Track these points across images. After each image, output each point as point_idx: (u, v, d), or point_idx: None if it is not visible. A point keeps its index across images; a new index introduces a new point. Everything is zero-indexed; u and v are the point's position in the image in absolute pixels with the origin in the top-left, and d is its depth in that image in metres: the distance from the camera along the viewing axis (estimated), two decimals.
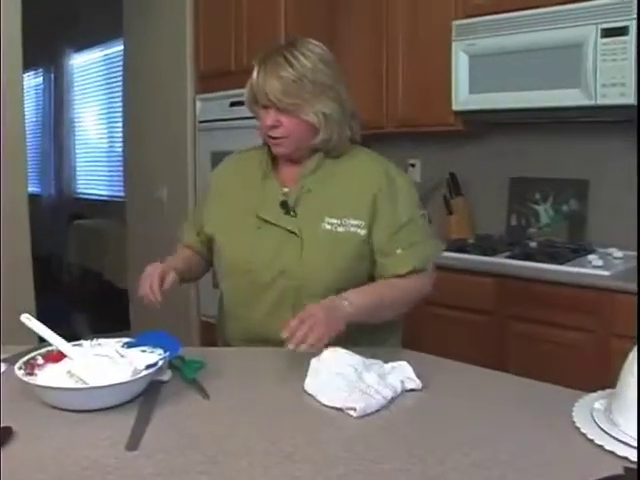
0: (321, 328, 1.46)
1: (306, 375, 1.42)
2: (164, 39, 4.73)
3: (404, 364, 1.46)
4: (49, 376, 1.39)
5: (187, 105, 4.51)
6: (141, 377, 1.34)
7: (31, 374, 1.39)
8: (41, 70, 8.06)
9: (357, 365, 1.42)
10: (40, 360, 1.45)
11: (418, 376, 1.43)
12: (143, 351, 1.46)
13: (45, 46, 7.14)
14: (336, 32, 3.96)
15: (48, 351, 1.48)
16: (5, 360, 1.59)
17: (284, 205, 1.75)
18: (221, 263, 1.85)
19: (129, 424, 1.22)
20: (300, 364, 1.46)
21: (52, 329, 1.52)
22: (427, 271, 1.79)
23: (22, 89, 4.00)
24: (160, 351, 1.45)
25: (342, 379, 1.36)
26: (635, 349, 1.19)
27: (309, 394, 1.37)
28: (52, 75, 7.97)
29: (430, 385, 1.43)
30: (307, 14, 3.93)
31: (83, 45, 7.26)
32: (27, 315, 1.51)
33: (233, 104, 4.17)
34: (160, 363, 1.39)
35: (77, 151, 7.70)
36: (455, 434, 1.22)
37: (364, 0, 3.80)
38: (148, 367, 1.37)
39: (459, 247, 3.25)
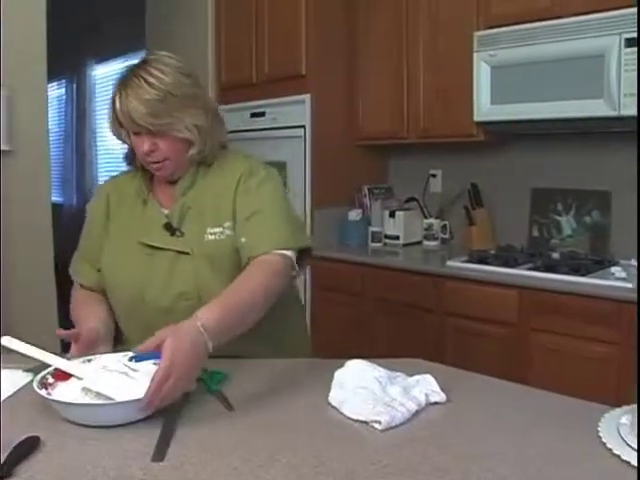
0: (178, 377, 1.29)
1: (330, 387, 1.42)
2: (186, 50, 4.76)
3: (428, 377, 1.46)
4: (63, 395, 1.37)
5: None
6: None
7: (48, 394, 1.37)
8: (64, 81, 8.13)
9: (381, 378, 1.42)
10: (51, 379, 1.43)
11: (442, 389, 1.43)
12: (155, 363, 1.38)
13: (68, 57, 7.20)
14: (357, 44, 3.99)
15: (55, 369, 1.45)
16: (29, 370, 1.60)
17: (168, 227, 1.72)
18: (114, 297, 1.78)
19: (154, 435, 1.22)
20: (324, 376, 1.47)
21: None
22: (275, 263, 1.62)
23: (46, 100, 4.04)
24: None
25: (367, 392, 1.36)
26: None
27: (333, 406, 1.37)
28: (74, 86, 8.03)
29: (454, 398, 1.43)
30: (327, 26, 3.96)
31: (105, 56, 7.31)
32: (8, 338, 1.48)
33: (254, 115, 4.20)
34: None
35: (98, 161, 7.76)
36: (480, 448, 1.21)
37: (385, 12, 3.82)
38: None
39: (480, 258, 3.23)
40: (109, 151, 7.61)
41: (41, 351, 1.48)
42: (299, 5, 3.91)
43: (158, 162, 1.69)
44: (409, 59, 3.69)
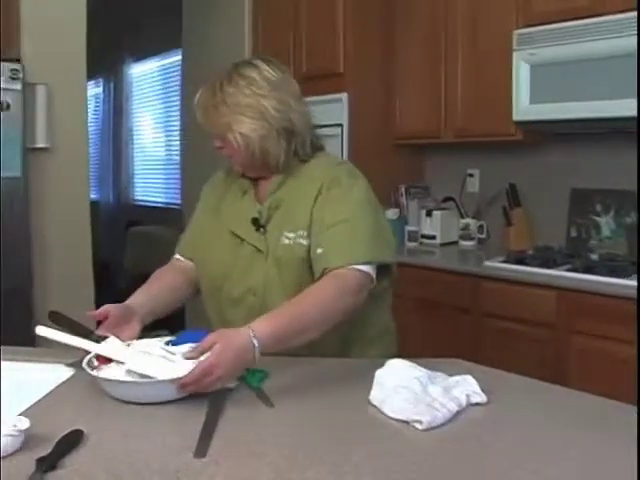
0: (218, 378, 1.37)
1: (370, 386, 1.41)
2: (223, 48, 4.79)
3: (469, 377, 1.45)
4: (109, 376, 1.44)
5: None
6: None
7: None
8: (101, 79, 8.22)
9: (422, 378, 1.41)
10: (95, 362, 1.50)
11: (482, 390, 1.41)
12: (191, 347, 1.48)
13: (105, 56, 7.27)
14: (394, 42, 3.98)
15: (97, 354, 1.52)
16: (71, 364, 1.61)
17: (255, 222, 1.78)
18: (201, 275, 1.89)
19: (196, 431, 1.23)
20: (364, 375, 1.46)
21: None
22: (351, 279, 1.61)
23: (86, 98, 4.10)
24: None
25: (407, 392, 1.35)
26: None
27: (374, 405, 1.36)
28: (111, 84, 8.12)
29: (494, 399, 1.41)
30: (365, 24, 3.95)
31: (142, 55, 7.38)
32: (42, 327, 1.55)
33: None
34: None
35: (135, 159, 7.83)
36: (521, 450, 1.20)
37: (422, 10, 3.80)
38: None
39: (518, 259, 3.20)
40: (145, 149, 7.68)
41: (76, 338, 1.54)
42: (337, 3, 3.90)
43: (228, 157, 1.81)
44: (447, 57, 3.67)
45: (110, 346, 1.54)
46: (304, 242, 1.71)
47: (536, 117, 3.20)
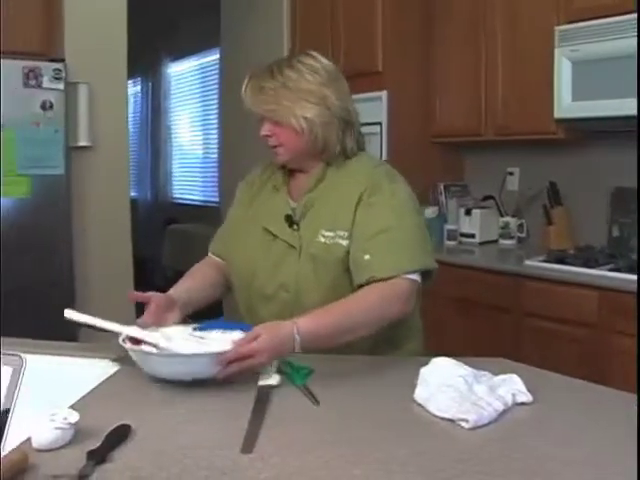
0: (260, 362, 1.44)
1: (414, 384, 1.41)
2: (261, 48, 4.81)
3: (514, 377, 1.43)
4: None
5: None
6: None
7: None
8: (139, 79, 8.30)
9: (467, 376, 1.40)
10: (127, 344, 1.53)
11: (527, 389, 1.40)
12: (223, 332, 1.58)
13: (144, 55, 7.34)
14: (433, 39, 3.96)
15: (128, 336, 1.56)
16: (116, 360, 1.64)
17: (288, 219, 1.78)
18: (233, 271, 1.89)
19: (242, 427, 1.24)
20: (407, 373, 1.46)
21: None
22: (397, 285, 1.63)
23: (126, 97, 4.15)
24: (239, 331, 1.55)
25: (453, 390, 1.35)
26: None
27: (419, 404, 1.36)
28: (150, 83, 8.20)
29: (540, 399, 1.40)
30: (404, 22, 3.94)
31: (180, 54, 7.44)
32: (70, 310, 1.62)
33: None
34: None
35: (173, 157, 7.90)
36: (568, 451, 1.18)
37: (462, 7, 3.78)
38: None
39: (559, 258, 3.17)
40: (183, 147, 7.74)
41: (106, 321, 1.58)
42: (375, 1, 3.89)
43: (274, 147, 1.79)
44: (487, 54, 3.63)
45: (139, 329, 1.59)
46: (343, 243, 1.71)
47: (578, 115, 3.16)
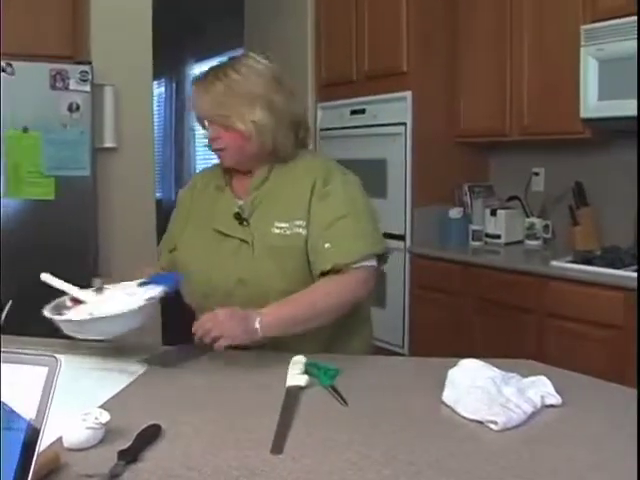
0: (221, 328, 1.54)
1: (442, 385, 1.41)
2: (285, 48, 4.81)
3: (543, 379, 1.43)
4: (73, 315, 1.66)
5: (308, 113, 4.57)
6: (136, 308, 1.61)
7: (59, 314, 1.65)
8: (163, 80, 8.34)
9: (495, 378, 1.39)
10: (68, 303, 1.71)
11: (557, 391, 1.39)
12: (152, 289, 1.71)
13: (168, 57, 7.37)
14: (458, 39, 3.95)
15: (72, 298, 1.74)
16: (145, 360, 1.65)
17: (237, 216, 1.81)
18: (187, 277, 1.86)
19: (271, 427, 1.24)
20: (435, 374, 1.46)
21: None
22: (358, 271, 1.72)
23: (151, 99, 4.18)
24: (161, 288, 1.70)
25: (481, 392, 1.34)
26: None
27: (447, 405, 1.36)
28: (174, 84, 8.23)
29: (569, 401, 1.39)
30: (429, 21, 3.94)
31: (204, 55, 7.46)
32: (47, 275, 1.74)
33: (354, 112, 4.21)
34: (157, 296, 1.67)
35: (197, 158, 7.93)
36: (597, 454, 1.17)
37: (487, 6, 3.76)
38: (149, 299, 1.65)
39: (585, 259, 3.14)
40: (206, 148, 7.77)
41: (70, 285, 1.75)
42: (400, 1, 3.89)
43: (219, 150, 1.81)
44: (513, 54, 3.61)
45: (82, 291, 1.76)
46: (302, 232, 1.75)
47: (605, 114, 3.13)
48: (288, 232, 1.75)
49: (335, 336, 1.80)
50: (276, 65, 1.84)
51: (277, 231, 1.75)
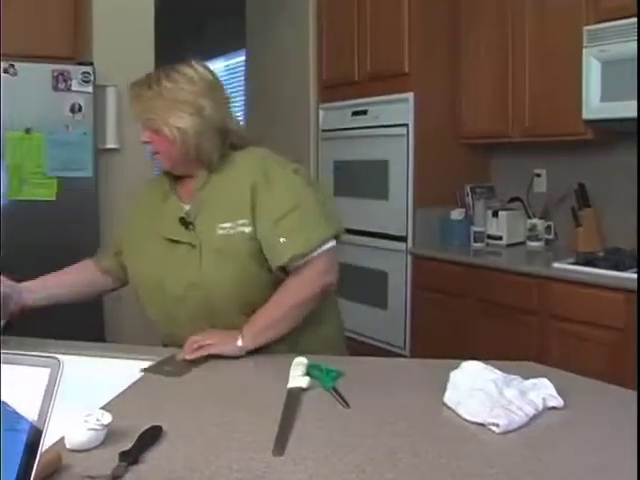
0: (202, 341, 1.67)
1: (443, 387, 1.41)
2: (287, 49, 4.82)
3: (545, 381, 1.42)
4: None
5: (310, 114, 4.57)
6: None
7: None
8: None
9: (497, 380, 1.39)
10: None
11: (558, 393, 1.39)
12: None
13: (170, 57, 7.37)
14: (460, 40, 3.95)
15: None
16: (146, 370, 1.65)
17: (182, 221, 1.81)
18: (137, 285, 1.91)
19: (272, 429, 1.24)
20: (436, 376, 1.46)
21: None
22: (319, 259, 1.76)
23: None
24: None
25: (483, 394, 1.34)
26: None
27: (449, 407, 1.36)
28: None
29: (571, 404, 1.39)
30: (431, 23, 3.94)
31: (206, 56, 7.47)
32: None
33: (355, 113, 4.21)
34: None
35: None
36: (598, 457, 1.17)
37: (489, 8, 3.76)
38: None
39: (587, 261, 3.14)
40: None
41: None
42: (402, 3, 3.89)
43: (154, 154, 1.83)
44: (514, 55, 3.62)
45: None
46: (246, 230, 1.76)
47: (607, 115, 3.13)
48: (232, 232, 1.76)
49: (303, 326, 1.81)
50: (213, 75, 1.87)
51: (221, 232, 1.77)
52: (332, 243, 1.79)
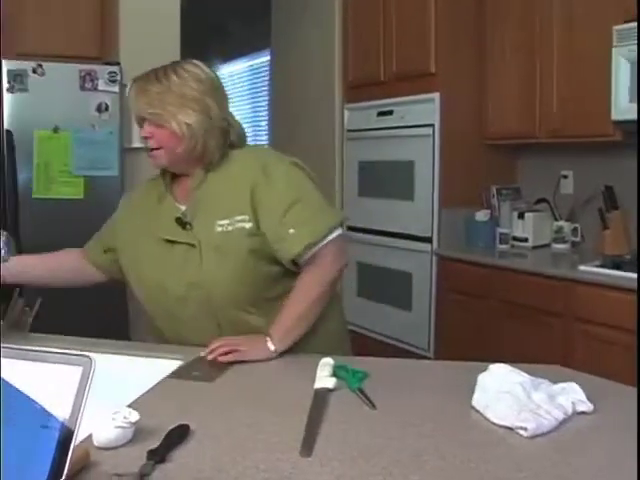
0: (232, 344, 1.67)
1: (472, 390, 1.39)
2: (312, 50, 4.82)
3: (574, 385, 1.41)
4: None
5: (335, 115, 4.57)
6: None
7: None
8: None
9: (525, 383, 1.38)
10: None
11: (587, 398, 1.38)
12: None
13: (195, 58, 7.40)
14: (486, 40, 3.92)
15: None
16: (175, 375, 1.65)
17: (179, 221, 1.81)
18: (138, 288, 1.91)
19: (299, 430, 1.24)
20: (465, 378, 1.45)
21: None
22: (328, 248, 1.79)
23: None
24: None
25: (510, 397, 1.33)
26: None
27: (477, 410, 1.35)
28: None
29: (600, 408, 1.37)
30: (457, 22, 3.92)
31: (230, 56, 7.50)
32: None
33: (381, 114, 4.20)
34: None
35: None
36: (629, 462, 1.14)
37: (516, 6, 3.73)
38: None
39: (615, 263, 3.10)
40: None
41: None
42: (428, 1, 3.87)
43: (153, 149, 1.81)
44: (542, 55, 3.58)
45: None
46: (246, 225, 1.77)
47: (636, 116, 3.08)
48: (230, 228, 1.77)
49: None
50: (216, 75, 1.89)
51: (219, 229, 1.77)
52: (339, 231, 1.82)
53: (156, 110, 1.75)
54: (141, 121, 1.81)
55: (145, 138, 1.81)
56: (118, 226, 1.99)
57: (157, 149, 1.80)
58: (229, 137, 1.88)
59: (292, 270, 1.81)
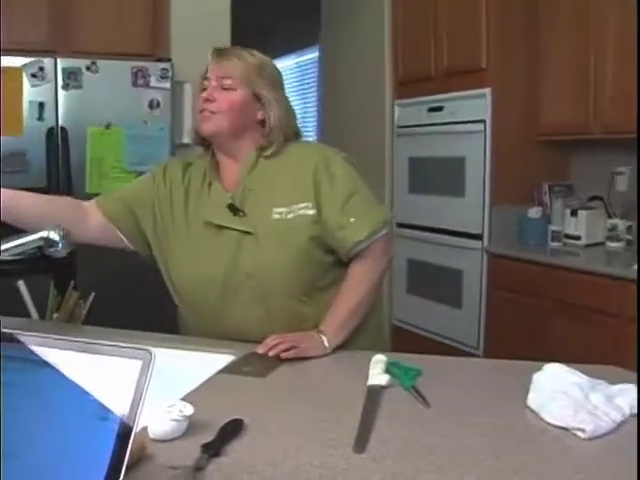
0: (291, 341, 1.65)
1: (526, 389, 1.37)
2: (362, 45, 4.81)
3: (632, 387, 1.38)
4: None
5: (385, 111, 4.55)
6: None
7: None
8: None
9: (582, 384, 1.35)
10: None
11: None
12: None
13: None
14: (539, 34, 3.86)
15: None
16: (227, 370, 1.66)
17: (232, 207, 1.79)
18: (182, 276, 1.85)
19: (353, 427, 1.24)
20: (518, 377, 1.43)
21: None
22: (377, 244, 1.81)
23: None
24: None
25: (567, 397, 1.31)
26: None
27: (532, 410, 1.33)
28: None
29: None
30: (509, 16, 3.87)
31: (278, 52, 7.51)
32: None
33: (431, 109, 4.17)
34: None
35: None
36: None
37: (569, 1, 3.66)
38: None
39: None
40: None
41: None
42: None
43: (210, 113, 1.77)
44: (596, 49, 3.51)
45: None
46: (309, 212, 1.77)
47: None
48: (290, 216, 1.76)
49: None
50: None
51: (276, 217, 1.76)
52: (386, 229, 1.85)
53: (251, 78, 1.80)
54: (204, 85, 1.80)
55: (206, 101, 1.78)
56: (155, 197, 1.90)
57: (215, 113, 1.76)
58: (294, 126, 1.91)
59: (342, 260, 1.82)
